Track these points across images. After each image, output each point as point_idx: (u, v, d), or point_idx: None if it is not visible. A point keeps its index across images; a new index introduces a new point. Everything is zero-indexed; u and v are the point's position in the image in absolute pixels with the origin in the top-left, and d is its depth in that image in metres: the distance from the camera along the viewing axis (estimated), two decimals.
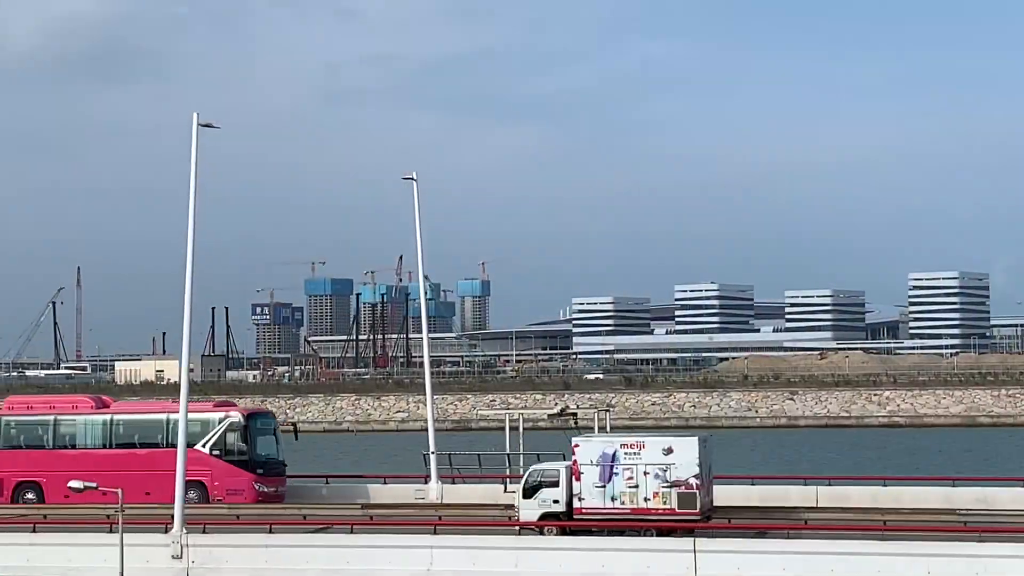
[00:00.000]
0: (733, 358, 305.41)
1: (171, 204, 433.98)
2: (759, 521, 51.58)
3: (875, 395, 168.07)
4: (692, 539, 45.78)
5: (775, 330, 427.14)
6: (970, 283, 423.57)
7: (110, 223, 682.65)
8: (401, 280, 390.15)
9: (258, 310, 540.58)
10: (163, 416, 63.55)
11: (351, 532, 50.38)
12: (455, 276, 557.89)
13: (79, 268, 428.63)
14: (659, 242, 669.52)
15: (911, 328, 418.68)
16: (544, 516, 49.81)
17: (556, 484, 49.86)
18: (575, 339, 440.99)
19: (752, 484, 61.61)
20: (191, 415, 63.02)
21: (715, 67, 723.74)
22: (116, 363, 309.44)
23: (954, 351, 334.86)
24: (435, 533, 49.25)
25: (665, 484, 48.22)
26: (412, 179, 66.56)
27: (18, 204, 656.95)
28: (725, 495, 59.28)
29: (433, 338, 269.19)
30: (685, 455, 48.34)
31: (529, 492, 50.33)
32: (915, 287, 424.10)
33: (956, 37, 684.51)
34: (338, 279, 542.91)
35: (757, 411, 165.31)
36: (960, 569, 43.31)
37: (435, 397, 69.80)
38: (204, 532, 50.21)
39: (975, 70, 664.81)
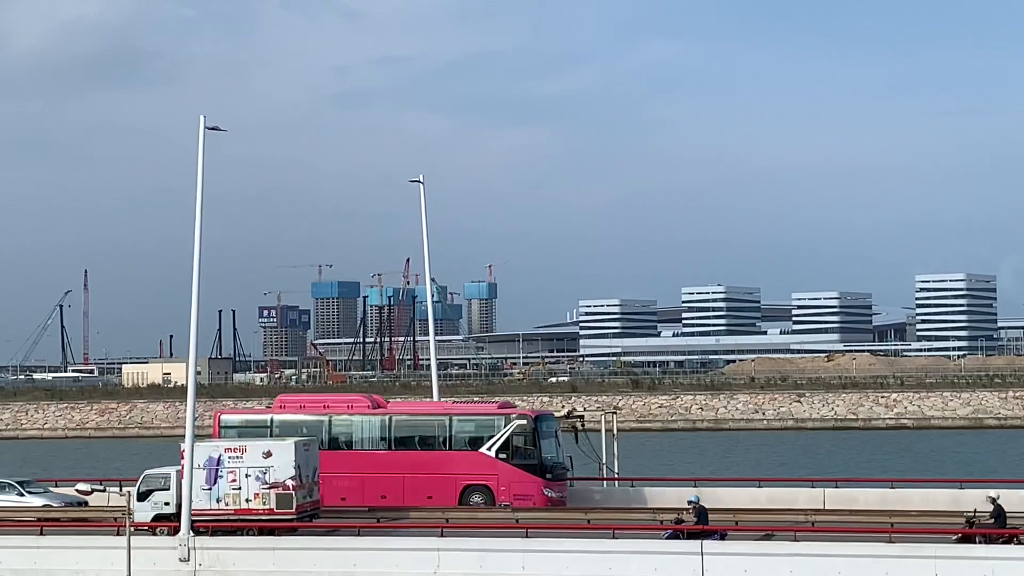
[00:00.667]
0: (740, 360, 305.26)
1: (178, 207, 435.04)
2: (766, 524, 51.51)
3: (882, 397, 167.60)
4: (700, 542, 45.81)
5: (782, 332, 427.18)
6: (977, 285, 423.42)
7: (117, 226, 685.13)
8: (408, 283, 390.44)
9: (265, 313, 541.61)
10: (444, 417, 60.63)
11: (358, 535, 50.37)
12: (462, 279, 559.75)
13: (86, 271, 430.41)
14: (665, 244, 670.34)
15: (918, 330, 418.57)
16: (157, 517, 52.10)
17: (167, 487, 52.32)
18: (582, 341, 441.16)
19: (759, 486, 61.51)
20: (475, 416, 60.96)
21: (720, 69, 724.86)
22: (123, 366, 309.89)
23: (961, 353, 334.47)
24: (442, 535, 49.30)
25: (264, 486, 50.85)
26: (419, 182, 66.57)
27: (24, 207, 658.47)
28: (731, 497, 59.36)
29: (440, 341, 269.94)
30: (282, 458, 51.13)
31: (143, 495, 52.47)
32: (922, 289, 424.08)
33: (961, 38, 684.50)
34: (345, 282, 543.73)
35: (764, 413, 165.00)
36: (968, 572, 43.26)
37: (442, 399, 69.78)
38: (211, 535, 50.21)
39: (981, 71, 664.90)
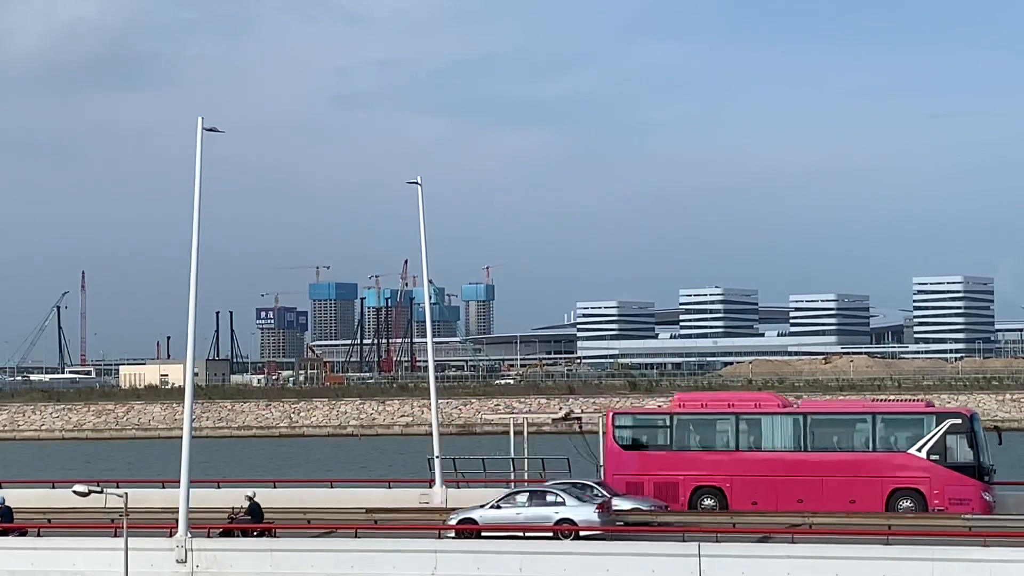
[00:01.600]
0: (737, 362, 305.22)
1: (176, 209, 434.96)
2: (763, 526, 51.52)
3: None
4: (697, 544, 45.79)
5: (779, 334, 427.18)
6: (974, 287, 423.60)
7: (115, 227, 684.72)
8: (406, 285, 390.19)
9: (263, 314, 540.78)
10: (866, 416, 56.83)
11: (355, 536, 50.32)
12: (460, 280, 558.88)
13: (83, 273, 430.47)
14: (663, 246, 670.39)
15: (915, 332, 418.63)
16: None
17: None
18: (579, 343, 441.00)
19: None
20: (900, 415, 57.34)
21: (719, 70, 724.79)
22: (120, 367, 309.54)
23: (958, 355, 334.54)
24: (439, 537, 49.29)
25: None
26: (417, 184, 66.53)
27: (23, 209, 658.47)
28: None
29: (438, 342, 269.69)
30: None
31: None
32: (919, 291, 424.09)
33: (961, 39, 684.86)
34: (343, 284, 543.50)
35: None
36: (964, 574, 43.27)
37: (439, 401, 69.74)
38: (209, 536, 50.16)
39: (980, 73, 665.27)
